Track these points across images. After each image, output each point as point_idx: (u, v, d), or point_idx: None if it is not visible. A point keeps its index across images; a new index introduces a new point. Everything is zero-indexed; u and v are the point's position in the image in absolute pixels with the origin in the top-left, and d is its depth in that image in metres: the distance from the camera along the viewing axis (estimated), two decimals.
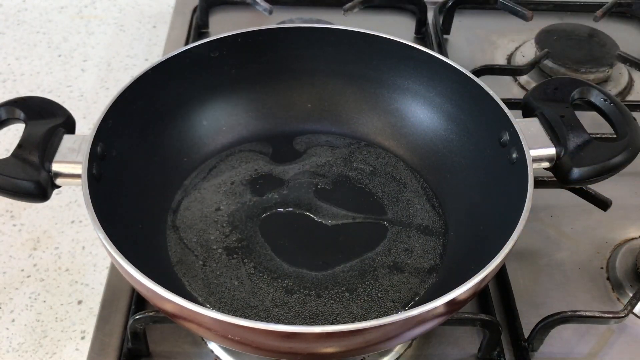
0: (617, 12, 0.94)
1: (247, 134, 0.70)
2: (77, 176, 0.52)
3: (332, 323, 0.54)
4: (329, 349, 0.46)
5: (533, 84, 0.84)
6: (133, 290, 0.61)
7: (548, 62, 0.85)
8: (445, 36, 0.92)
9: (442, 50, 0.87)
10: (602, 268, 0.65)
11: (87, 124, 0.79)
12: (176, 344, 0.58)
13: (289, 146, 0.70)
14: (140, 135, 0.61)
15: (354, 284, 0.58)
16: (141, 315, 0.55)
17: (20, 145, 0.53)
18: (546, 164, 0.56)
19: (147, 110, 0.61)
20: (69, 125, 0.56)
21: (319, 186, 0.66)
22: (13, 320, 0.61)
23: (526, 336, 0.58)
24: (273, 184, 0.66)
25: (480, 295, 0.61)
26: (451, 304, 0.45)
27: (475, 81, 0.60)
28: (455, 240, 0.61)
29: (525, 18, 0.86)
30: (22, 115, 0.55)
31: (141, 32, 0.96)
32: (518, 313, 0.60)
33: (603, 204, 0.66)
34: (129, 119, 0.59)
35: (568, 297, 0.63)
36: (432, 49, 0.74)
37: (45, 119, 0.55)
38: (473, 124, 0.62)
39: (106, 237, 0.47)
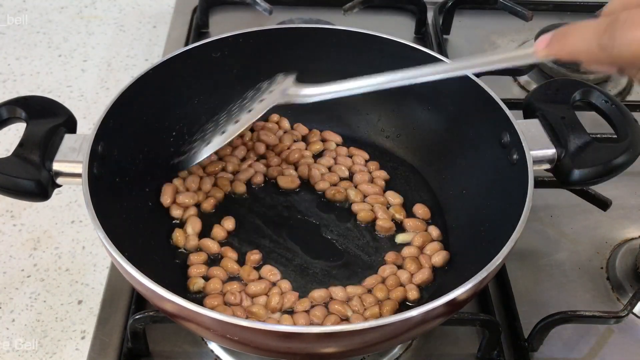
0: None
1: None
2: (78, 175, 0.52)
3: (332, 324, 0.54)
4: (328, 349, 0.46)
5: (533, 85, 0.85)
6: (133, 290, 0.61)
7: (548, 63, 0.85)
8: (445, 36, 0.92)
9: (442, 51, 0.87)
10: (602, 268, 0.65)
11: (87, 124, 0.79)
12: (176, 343, 0.58)
13: None
14: (141, 135, 0.61)
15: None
16: (141, 315, 0.55)
17: (21, 145, 0.53)
18: (547, 165, 0.56)
19: (148, 111, 0.61)
20: (70, 124, 0.57)
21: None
22: (13, 320, 0.61)
23: (526, 336, 0.58)
24: (273, 182, 0.66)
25: (480, 295, 0.61)
26: (451, 304, 0.45)
27: (475, 82, 0.60)
28: (455, 241, 0.61)
29: (525, 18, 0.86)
30: (23, 114, 0.55)
31: (141, 32, 0.96)
32: (518, 313, 0.60)
33: (603, 204, 0.67)
34: (130, 119, 0.59)
35: (568, 297, 0.63)
36: (432, 49, 0.74)
37: (46, 118, 0.55)
38: (473, 125, 0.62)
39: (106, 236, 0.47)
